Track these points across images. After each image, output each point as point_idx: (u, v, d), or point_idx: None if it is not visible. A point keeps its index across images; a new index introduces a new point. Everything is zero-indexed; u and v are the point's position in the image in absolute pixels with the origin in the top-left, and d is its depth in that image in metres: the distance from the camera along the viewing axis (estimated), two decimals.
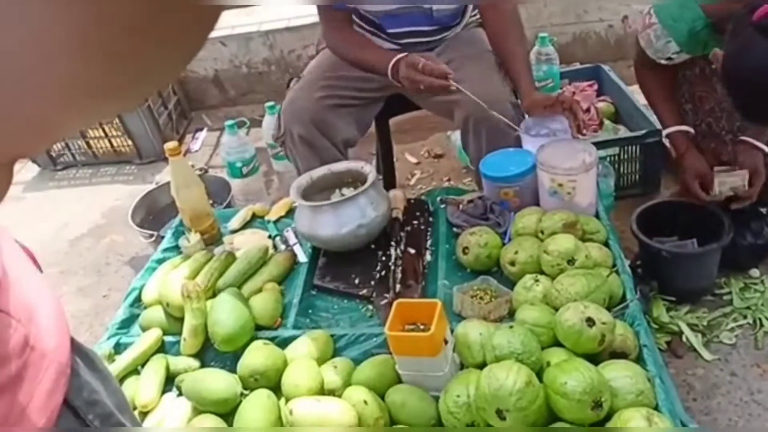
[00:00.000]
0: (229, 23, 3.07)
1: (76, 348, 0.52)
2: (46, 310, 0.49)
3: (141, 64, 0.26)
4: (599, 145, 1.87)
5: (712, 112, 1.66)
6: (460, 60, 1.65)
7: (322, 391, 1.10)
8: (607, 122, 2.14)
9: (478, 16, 1.75)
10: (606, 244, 1.31)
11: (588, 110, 2.12)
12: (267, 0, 2.92)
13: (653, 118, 1.94)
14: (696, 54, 1.52)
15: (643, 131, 1.92)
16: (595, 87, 2.31)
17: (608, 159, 1.93)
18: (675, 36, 1.46)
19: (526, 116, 1.54)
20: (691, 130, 1.62)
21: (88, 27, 0.23)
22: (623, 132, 2.08)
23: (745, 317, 1.56)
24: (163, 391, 1.20)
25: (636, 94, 2.21)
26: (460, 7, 1.69)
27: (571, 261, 1.20)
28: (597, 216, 1.39)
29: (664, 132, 1.66)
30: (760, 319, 1.54)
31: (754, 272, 1.65)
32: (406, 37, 1.67)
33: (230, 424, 1.08)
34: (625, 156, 1.96)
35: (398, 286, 1.32)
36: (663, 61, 1.55)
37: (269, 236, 1.58)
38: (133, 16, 0.23)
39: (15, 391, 0.43)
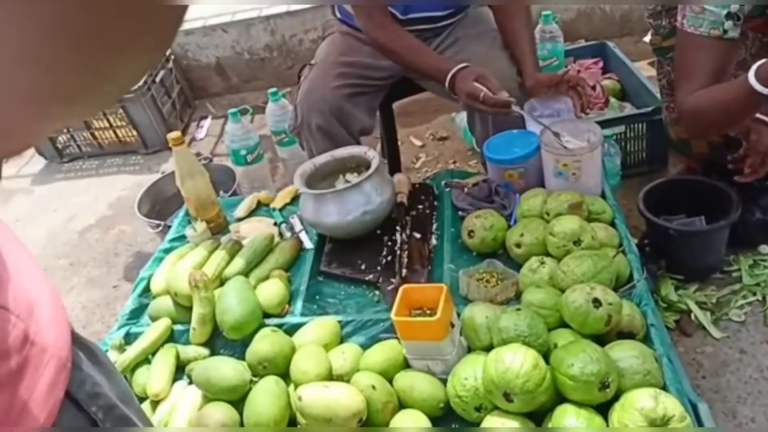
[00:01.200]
0: (229, 9, 3.05)
1: (77, 341, 0.53)
2: (45, 304, 0.50)
3: (103, 69, 0.26)
4: (605, 123, 1.85)
5: None
6: (466, 39, 1.64)
7: (331, 376, 1.11)
8: (612, 100, 2.12)
9: None
10: (612, 224, 1.30)
11: (593, 88, 2.10)
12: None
13: (660, 95, 1.92)
14: (758, 11, 1.33)
15: (650, 108, 1.90)
16: (601, 64, 2.28)
17: (614, 137, 1.91)
18: None
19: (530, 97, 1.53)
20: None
21: (44, 36, 0.23)
22: (629, 109, 2.06)
23: (754, 294, 1.55)
24: (174, 380, 1.22)
25: (643, 71, 2.19)
26: None
27: (577, 242, 1.19)
28: (603, 196, 1.38)
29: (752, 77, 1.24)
30: None
31: (764, 249, 1.64)
32: (417, 23, 1.64)
33: (240, 411, 1.09)
34: (632, 134, 1.95)
35: (404, 271, 1.32)
36: (727, 13, 1.27)
37: (275, 223, 1.58)
38: (89, 23, 0.23)
39: (16, 386, 0.43)
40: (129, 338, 1.31)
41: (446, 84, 1.47)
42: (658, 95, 1.91)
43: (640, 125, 1.93)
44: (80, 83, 0.26)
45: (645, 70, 2.32)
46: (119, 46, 0.25)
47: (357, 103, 1.64)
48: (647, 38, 2.44)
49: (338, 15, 1.76)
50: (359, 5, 1.59)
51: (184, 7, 0.27)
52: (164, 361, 1.22)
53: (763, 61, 1.21)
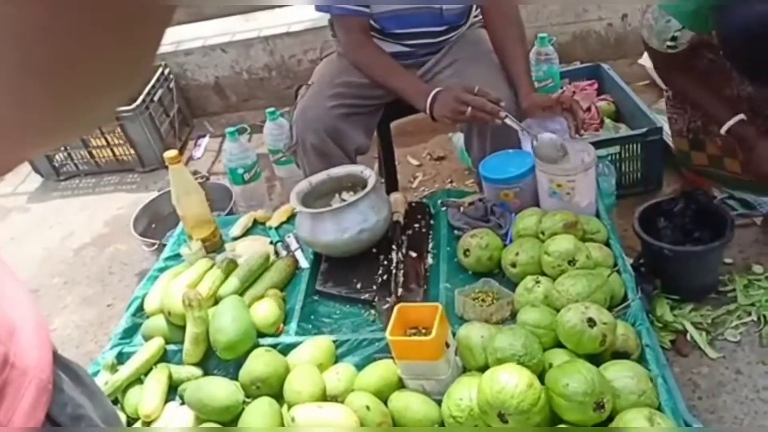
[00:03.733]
0: (229, 30, 3.08)
1: (59, 363, 0.52)
2: (27, 326, 0.49)
3: (76, 104, 0.27)
4: (600, 144, 1.86)
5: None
6: (464, 61, 1.65)
7: (325, 397, 1.10)
8: (607, 121, 2.13)
9: (481, 16, 1.75)
10: (607, 244, 1.31)
11: (588, 109, 2.11)
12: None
13: (654, 116, 1.94)
14: (699, 30, 1.43)
15: (644, 129, 1.91)
16: (596, 86, 2.30)
17: (609, 158, 1.92)
18: (674, 13, 1.38)
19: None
20: (744, 117, 1.49)
21: (17, 72, 0.23)
22: (624, 130, 2.07)
23: (749, 314, 1.55)
24: (167, 400, 1.21)
25: (637, 92, 2.21)
26: (467, 6, 1.68)
27: (571, 261, 1.20)
28: (597, 215, 1.39)
29: (723, 129, 1.51)
30: (764, 316, 1.53)
31: (758, 269, 1.64)
32: (413, 38, 1.66)
33: None
34: (626, 154, 1.96)
35: (400, 290, 1.32)
36: (668, 45, 1.45)
37: (271, 242, 1.58)
38: (62, 62, 0.24)
39: None
40: (122, 358, 1.30)
41: (426, 104, 1.50)
42: (653, 116, 1.93)
43: (635, 146, 1.94)
44: (54, 116, 0.27)
45: (639, 92, 2.34)
46: (92, 82, 0.26)
47: (352, 122, 1.65)
48: (641, 60, 2.48)
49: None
50: (340, 23, 1.63)
51: (156, 46, 0.27)
52: (157, 381, 1.21)
53: (734, 121, 1.47)
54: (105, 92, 0.27)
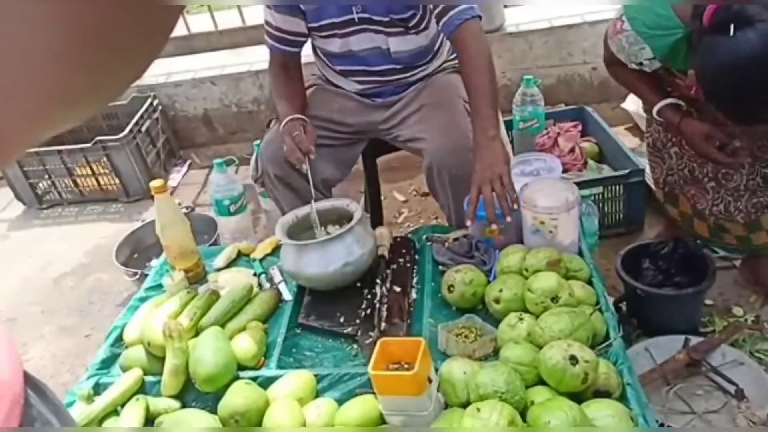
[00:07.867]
0: (219, 63, 3.12)
1: (28, 380, 0.53)
2: None
3: (111, 70, 0.28)
4: (583, 184, 1.89)
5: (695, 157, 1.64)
6: (430, 107, 1.64)
7: None
8: (591, 162, 2.17)
9: (456, 61, 1.75)
10: (589, 282, 1.32)
11: (573, 150, 2.16)
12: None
13: (636, 159, 1.98)
14: (672, 65, 1.43)
15: (627, 171, 1.95)
16: (580, 128, 2.35)
17: (592, 198, 1.95)
18: (651, 44, 1.37)
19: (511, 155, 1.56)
20: (682, 103, 1.50)
21: (64, 39, 0.24)
22: (607, 171, 2.11)
23: None
24: None
25: (620, 135, 2.26)
26: (422, 49, 1.65)
27: (554, 299, 1.20)
28: (580, 254, 1.40)
29: (655, 110, 1.52)
30: None
31: (737, 310, 1.66)
32: (367, 75, 1.69)
33: None
34: (609, 195, 1.99)
35: (383, 324, 1.32)
36: (633, 66, 1.46)
37: (254, 274, 1.57)
38: (107, 26, 0.25)
39: None
40: (98, 389, 1.28)
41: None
42: (636, 158, 1.97)
43: (618, 187, 1.98)
44: (88, 84, 0.27)
45: (621, 135, 2.39)
46: (125, 47, 0.27)
47: (319, 154, 1.60)
48: (624, 105, 2.54)
49: (318, 69, 1.82)
50: (270, 56, 1.71)
51: (177, 16, 0.29)
52: (133, 413, 1.19)
53: (663, 103, 1.49)
54: (131, 62, 0.29)
